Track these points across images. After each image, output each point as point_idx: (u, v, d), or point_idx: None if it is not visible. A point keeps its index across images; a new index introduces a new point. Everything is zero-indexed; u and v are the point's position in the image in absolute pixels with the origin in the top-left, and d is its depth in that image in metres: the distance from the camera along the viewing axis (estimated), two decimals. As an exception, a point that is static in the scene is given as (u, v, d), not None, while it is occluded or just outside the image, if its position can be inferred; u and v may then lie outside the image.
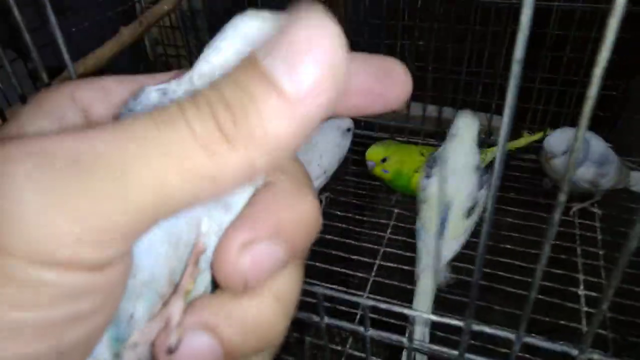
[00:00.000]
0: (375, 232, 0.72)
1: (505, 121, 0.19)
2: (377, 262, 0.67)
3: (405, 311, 0.27)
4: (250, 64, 0.11)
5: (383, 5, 0.79)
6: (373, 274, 0.66)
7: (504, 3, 0.75)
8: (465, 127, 0.64)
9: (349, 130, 0.76)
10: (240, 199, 0.14)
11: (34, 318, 0.10)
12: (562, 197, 0.20)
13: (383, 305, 0.27)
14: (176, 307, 0.13)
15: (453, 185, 0.61)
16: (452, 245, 0.60)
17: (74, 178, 0.10)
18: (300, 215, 0.13)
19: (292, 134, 0.11)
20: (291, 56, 0.10)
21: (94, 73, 0.55)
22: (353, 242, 0.71)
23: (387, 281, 0.65)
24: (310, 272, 0.68)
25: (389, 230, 0.71)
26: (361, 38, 0.84)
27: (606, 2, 0.69)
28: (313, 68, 0.10)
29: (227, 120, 0.10)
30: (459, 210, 0.60)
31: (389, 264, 0.67)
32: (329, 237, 0.72)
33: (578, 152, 0.18)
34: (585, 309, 0.58)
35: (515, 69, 0.17)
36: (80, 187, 0.10)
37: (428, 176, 0.63)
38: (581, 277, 0.62)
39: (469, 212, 0.60)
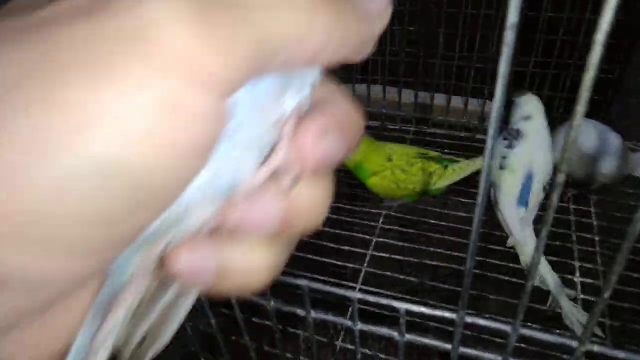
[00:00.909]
0: (367, 222, 0.70)
1: (498, 90, 0.17)
2: (370, 252, 0.65)
3: (395, 304, 0.25)
4: None
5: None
6: (365, 265, 0.64)
7: (496, -15, 0.73)
8: (538, 110, 0.68)
9: None
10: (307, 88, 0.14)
11: None
12: (561, 178, 0.18)
13: (372, 298, 0.26)
14: (282, 153, 0.14)
15: (538, 158, 0.65)
16: (533, 213, 0.64)
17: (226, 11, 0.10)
18: (351, 117, 0.15)
19: (372, 37, 0.14)
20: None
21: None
22: (345, 232, 0.69)
23: (379, 272, 0.63)
24: (302, 265, 0.66)
25: (381, 220, 0.70)
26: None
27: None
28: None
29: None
30: (540, 182, 0.64)
31: (382, 254, 0.65)
32: (321, 228, 0.70)
33: (577, 131, 0.17)
34: (582, 296, 0.57)
35: (510, 35, 0.16)
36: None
37: (511, 147, 0.66)
38: (577, 264, 0.61)
39: (546, 187, 0.65)
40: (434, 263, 0.64)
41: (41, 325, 0.11)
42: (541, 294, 0.57)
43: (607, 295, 0.20)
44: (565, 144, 0.17)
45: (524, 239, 0.61)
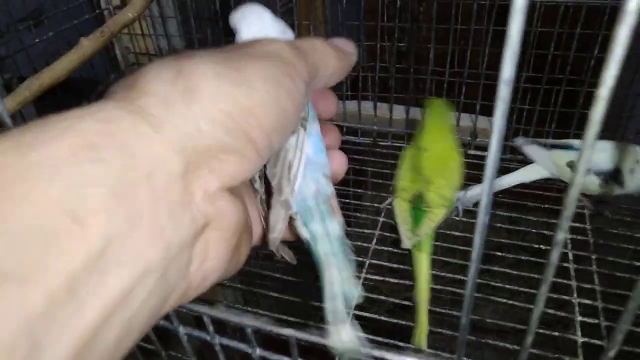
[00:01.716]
0: (360, 244, 0.69)
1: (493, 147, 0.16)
2: (363, 275, 0.64)
3: (387, 357, 0.24)
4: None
5: (361, 6, 0.77)
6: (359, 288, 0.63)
7: (484, 0, 0.73)
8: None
9: None
10: None
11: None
12: (561, 236, 0.17)
13: (363, 350, 0.24)
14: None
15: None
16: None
17: None
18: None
19: (350, 67, 0.24)
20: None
21: (53, 87, 0.51)
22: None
23: (374, 296, 0.62)
24: (296, 287, 0.65)
25: (374, 241, 0.68)
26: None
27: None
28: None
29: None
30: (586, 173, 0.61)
31: (375, 277, 0.64)
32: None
33: (578, 186, 0.16)
34: (580, 318, 0.55)
35: (504, 90, 0.15)
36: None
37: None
38: (574, 284, 0.59)
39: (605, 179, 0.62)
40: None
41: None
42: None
43: (612, 353, 0.19)
44: (567, 203, 0.15)
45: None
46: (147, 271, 0.15)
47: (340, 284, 0.21)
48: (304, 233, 0.23)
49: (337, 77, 0.23)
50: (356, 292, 0.22)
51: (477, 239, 0.18)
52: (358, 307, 0.60)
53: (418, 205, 0.60)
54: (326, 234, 0.22)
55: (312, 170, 0.23)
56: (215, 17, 0.86)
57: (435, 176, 0.61)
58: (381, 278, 0.63)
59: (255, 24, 0.25)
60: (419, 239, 0.58)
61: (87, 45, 0.53)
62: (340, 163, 0.25)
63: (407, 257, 0.67)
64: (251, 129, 0.18)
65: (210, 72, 0.18)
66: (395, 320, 0.58)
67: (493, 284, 0.61)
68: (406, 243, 0.59)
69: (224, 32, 0.88)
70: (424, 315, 0.54)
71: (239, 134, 0.18)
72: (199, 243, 0.17)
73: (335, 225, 0.22)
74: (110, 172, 0.14)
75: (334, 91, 0.27)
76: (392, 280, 0.63)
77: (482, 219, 0.17)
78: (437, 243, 0.67)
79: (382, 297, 0.62)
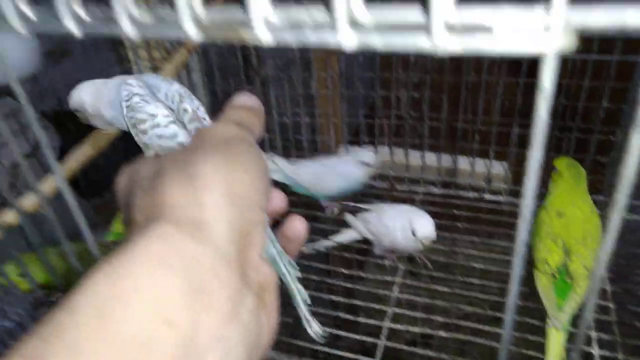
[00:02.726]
0: (381, 291, 0.71)
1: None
2: (387, 325, 0.65)
3: None
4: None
5: (376, 60, 0.80)
6: (382, 337, 0.64)
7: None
8: None
9: None
10: None
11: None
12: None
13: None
14: None
15: None
16: None
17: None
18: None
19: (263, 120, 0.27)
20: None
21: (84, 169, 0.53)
22: (359, 302, 0.69)
23: (396, 345, 0.63)
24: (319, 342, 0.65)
25: (395, 288, 0.70)
26: (357, 92, 0.84)
27: (597, 52, 0.70)
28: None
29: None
30: None
31: (397, 326, 0.65)
32: (334, 297, 0.70)
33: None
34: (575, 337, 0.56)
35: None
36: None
37: None
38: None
39: None
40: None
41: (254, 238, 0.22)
42: (527, 344, 0.57)
43: None
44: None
45: None
46: (233, 346, 0.18)
47: (302, 292, 0.27)
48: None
49: (261, 131, 0.26)
50: (306, 295, 0.28)
51: (511, 302, 0.20)
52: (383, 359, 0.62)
53: (562, 278, 0.55)
54: (279, 256, 0.26)
55: None
56: (237, 68, 0.91)
57: (577, 245, 0.56)
58: (404, 328, 0.65)
59: (91, 92, 0.31)
60: (567, 317, 0.53)
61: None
62: (279, 199, 0.27)
63: (428, 306, 0.68)
64: (259, 199, 0.22)
65: (213, 167, 0.21)
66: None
67: (489, 313, 0.62)
68: (556, 324, 0.53)
69: (246, 82, 0.92)
70: None
71: (255, 207, 0.21)
72: (263, 306, 0.21)
73: (276, 246, 0.27)
74: (181, 276, 0.18)
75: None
76: (414, 330, 0.64)
77: (516, 271, 0.19)
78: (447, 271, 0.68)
79: (405, 347, 0.63)
